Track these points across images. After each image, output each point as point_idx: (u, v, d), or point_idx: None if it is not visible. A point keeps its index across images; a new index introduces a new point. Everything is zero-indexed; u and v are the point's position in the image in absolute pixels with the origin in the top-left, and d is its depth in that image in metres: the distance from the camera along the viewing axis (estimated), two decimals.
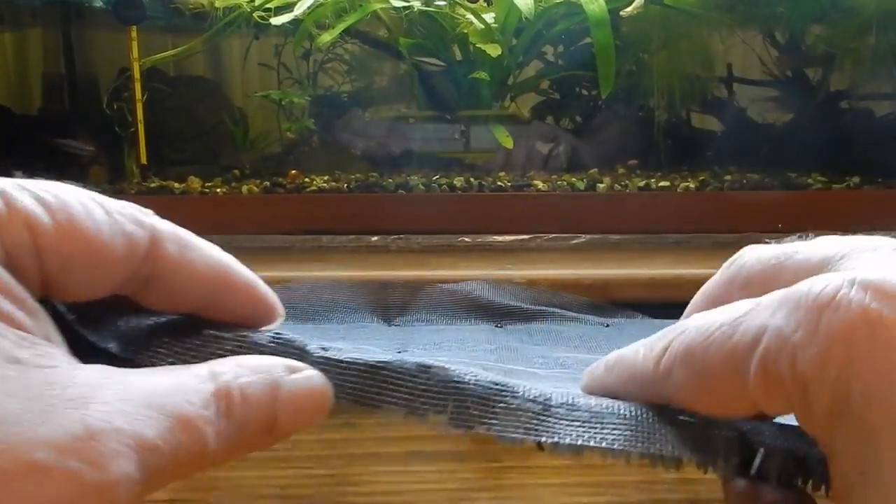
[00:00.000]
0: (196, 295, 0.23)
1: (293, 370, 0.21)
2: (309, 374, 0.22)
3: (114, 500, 0.17)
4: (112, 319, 0.24)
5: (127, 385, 0.18)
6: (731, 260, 0.28)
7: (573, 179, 0.82)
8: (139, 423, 0.17)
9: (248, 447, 0.20)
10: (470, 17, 0.84)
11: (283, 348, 0.23)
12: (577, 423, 0.23)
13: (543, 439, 0.22)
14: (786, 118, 1.01)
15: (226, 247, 0.25)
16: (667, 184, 0.83)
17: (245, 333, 0.23)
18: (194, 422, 0.18)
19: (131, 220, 0.22)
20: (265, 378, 0.21)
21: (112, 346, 0.23)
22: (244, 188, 0.89)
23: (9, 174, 0.21)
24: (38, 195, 0.20)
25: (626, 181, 0.83)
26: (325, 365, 0.23)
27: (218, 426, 0.19)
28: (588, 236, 0.73)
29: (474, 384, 0.23)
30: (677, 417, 0.23)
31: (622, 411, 0.23)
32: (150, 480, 0.18)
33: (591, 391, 0.26)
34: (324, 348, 0.23)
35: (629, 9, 0.80)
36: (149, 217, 0.23)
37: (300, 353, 0.23)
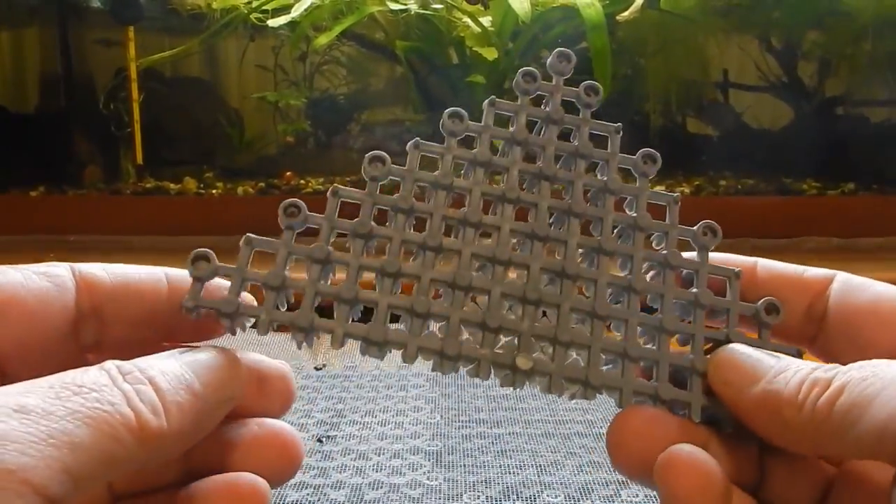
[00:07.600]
0: (144, 304, 0.23)
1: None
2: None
3: None
4: None
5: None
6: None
7: None
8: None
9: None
10: (467, 20, 0.85)
11: None
12: None
13: None
14: (781, 123, 1.01)
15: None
16: (662, 188, 0.83)
17: None
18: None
19: (47, 266, 0.22)
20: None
21: None
22: (239, 189, 0.90)
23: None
24: None
25: None
26: None
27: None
28: None
29: None
30: None
31: None
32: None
33: None
34: None
35: (625, 13, 0.80)
36: (64, 263, 0.23)
37: None
